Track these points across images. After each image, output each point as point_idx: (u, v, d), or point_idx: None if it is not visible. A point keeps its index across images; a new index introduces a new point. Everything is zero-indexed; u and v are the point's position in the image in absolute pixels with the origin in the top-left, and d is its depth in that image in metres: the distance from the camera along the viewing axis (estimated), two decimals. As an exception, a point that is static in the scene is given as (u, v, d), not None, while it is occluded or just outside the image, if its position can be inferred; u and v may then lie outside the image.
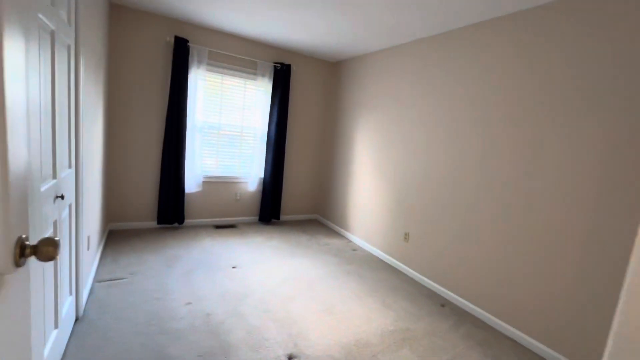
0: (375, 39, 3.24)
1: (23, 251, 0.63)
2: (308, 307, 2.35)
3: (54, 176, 1.38)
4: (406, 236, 3.18)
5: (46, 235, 1.25)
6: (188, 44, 3.42)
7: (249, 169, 4.15)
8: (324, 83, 4.52)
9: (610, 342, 0.67)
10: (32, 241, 0.95)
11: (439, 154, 2.86)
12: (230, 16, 3.12)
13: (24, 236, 0.64)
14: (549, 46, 2.11)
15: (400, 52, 3.32)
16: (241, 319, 2.12)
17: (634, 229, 1.74)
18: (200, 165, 3.76)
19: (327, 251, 3.53)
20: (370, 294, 2.67)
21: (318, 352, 1.88)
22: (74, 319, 1.86)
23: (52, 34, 1.27)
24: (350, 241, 3.96)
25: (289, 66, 4.03)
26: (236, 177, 4.09)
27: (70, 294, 1.78)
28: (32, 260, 0.90)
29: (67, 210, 1.62)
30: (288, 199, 4.54)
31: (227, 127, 3.91)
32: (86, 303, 2.09)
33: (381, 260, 3.44)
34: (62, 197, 1.43)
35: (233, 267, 2.87)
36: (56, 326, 1.51)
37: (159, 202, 3.59)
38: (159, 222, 3.63)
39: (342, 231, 4.19)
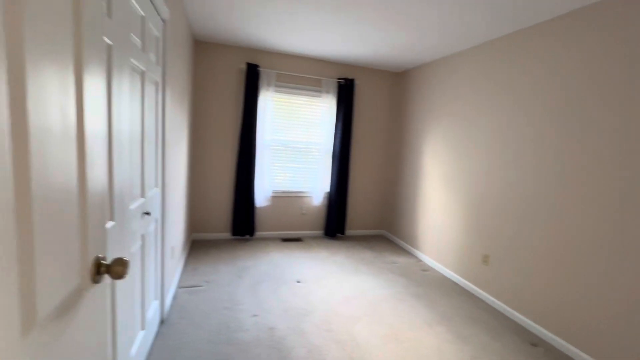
0: (444, 44, 3.03)
1: (99, 269, 0.71)
2: (372, 331, 2.22)
3: (142, 195, 1.58)
4: (485, 258, 2.81)
5: (133, 249, 1.44)
6: (258, 68, 3.70)
7: (315, 184, 4.23)
8: (389, 94, 4.40)
9: None
10: (115, 255, 1.09)
11: (526, 167, 2.48)
12: (291, 39, 3.28)
13: (100, 255, 0.72)
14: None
15: (472, 55, 3.04)
16: (303, 336, 2.11)
17: None
18: (269, 180, 3.97)
19: (393, 270, 3.34)
20: (442, 322, 2.41)
21: (381, 383, 1.75)
22: (159, 321, 2.09)
23: (142, 74, 1.48)
24: (420, 260, 3.68)
25: (352, 81, 4.05)
26: (302, 192, 4.21)
27: (156, 298, 2.01)
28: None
29: (153, 225, 1.84)
30: (353, 213, 4.48)
31: (293, 143, 4.07)
32: (170, 307, 2.33)
33: (455, 284, 3.10)
34: (148, 213, 1.64)
35: (297, 282, 2.91)
36: (143, 327, 1.71)
37: (233, 215, 3.89)
38: (233, 234, 3.92)
39: (411, 249, 3.93)
